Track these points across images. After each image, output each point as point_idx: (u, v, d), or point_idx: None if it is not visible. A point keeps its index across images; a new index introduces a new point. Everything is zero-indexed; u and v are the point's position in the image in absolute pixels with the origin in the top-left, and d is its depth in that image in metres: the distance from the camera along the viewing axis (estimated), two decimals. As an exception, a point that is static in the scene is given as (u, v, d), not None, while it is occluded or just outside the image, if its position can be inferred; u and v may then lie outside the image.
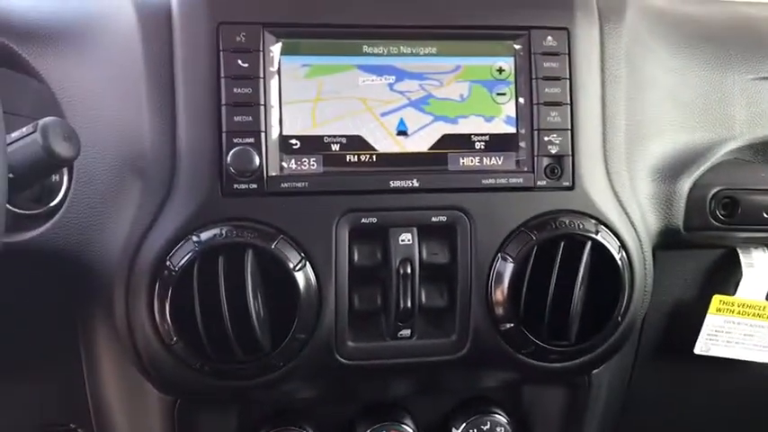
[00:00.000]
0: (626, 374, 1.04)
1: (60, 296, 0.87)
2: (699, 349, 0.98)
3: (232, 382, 0.79)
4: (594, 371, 0.92)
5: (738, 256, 0.98)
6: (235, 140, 0.77)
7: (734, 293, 0.97)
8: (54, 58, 0.80)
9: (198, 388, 0.80)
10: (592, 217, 0.83)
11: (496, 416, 0.92)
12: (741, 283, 0.97)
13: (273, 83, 0.79)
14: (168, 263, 0.75)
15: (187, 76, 0.77)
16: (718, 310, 0.97)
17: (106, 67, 0.80)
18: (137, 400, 0.88)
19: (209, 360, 0.76)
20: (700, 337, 0.98)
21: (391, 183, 0.80)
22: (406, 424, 0.91)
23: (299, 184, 0.78)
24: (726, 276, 1.01)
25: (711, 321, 0.97)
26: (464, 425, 0.91)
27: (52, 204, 0.80)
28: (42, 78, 0.80)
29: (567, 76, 0.84)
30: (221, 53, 0.77)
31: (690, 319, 0.99)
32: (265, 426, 0.88)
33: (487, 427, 0.91)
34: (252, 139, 0.77)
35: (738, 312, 0.97)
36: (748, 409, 1.14)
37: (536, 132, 0.83)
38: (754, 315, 0.97)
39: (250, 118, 0.77)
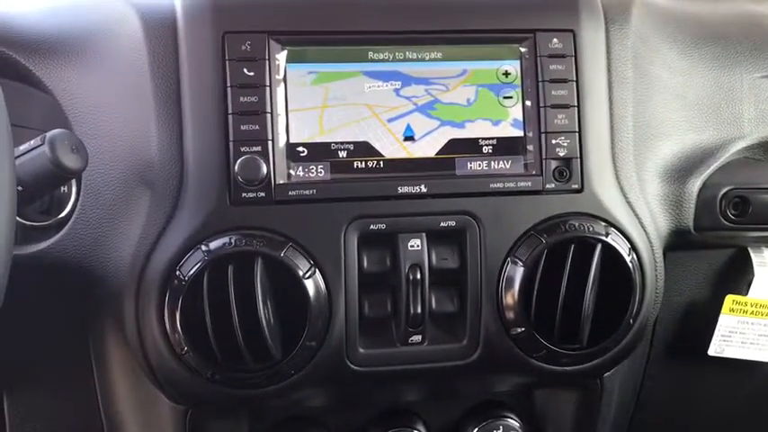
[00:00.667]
0: (638, 376, 1.03)
1: (71, 307, 0.88)
2: (713, 350, 0.97)
3: (243, 390, 0.79)
4: (607, 374, 0.92)
5: (750, 256, 0.97)
6: (242, 149, 0.77)
7: (746, 293, 0.97)
8: (60, 69, 0.80)
9: (209, 397, 0.80)
10: (601, 219, 0.82)
11: (509, 420, 0.92)
12: (753, 283, 0.96)
13: (280, 91, 0.79)
14: (178, 272, 0.75)
15: (193, 86, 0.78)
16: (732, 310, 0.96)
17: (112, 77, 0.81)
18: (149, 409, 0.88)
19: (221, 369, 0.76)
20: (714, 338, 0.97)
21: (399, 188, 0.80)
22: (417, 429, 0.90)
23: (307, 192, 0.78)
24: (738, 276, 1.00)
25: (725, 322, 0.97)
26: (476, 429, 0.91)
27: (61, 216, 0.80)
28: (49, 90, 0.80)
29: (574, 79, 0.83)
30: (227, 62, 0.77)
31: (702, 319, 0.99)
32: (277, 434, 0.88)
33: (500, 431, 0.91)
34: (259, 148, 0.77)
35: (752, 313, 0.96)
36: (762, 410, 1.13)
37: (543, 135, 0.82)
38: (767, 315, 0.96)
39: (257, 126, 0.77)
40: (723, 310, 0.96)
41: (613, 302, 0.81)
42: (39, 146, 0.69)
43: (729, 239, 0.95)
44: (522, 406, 0.94)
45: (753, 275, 0.97)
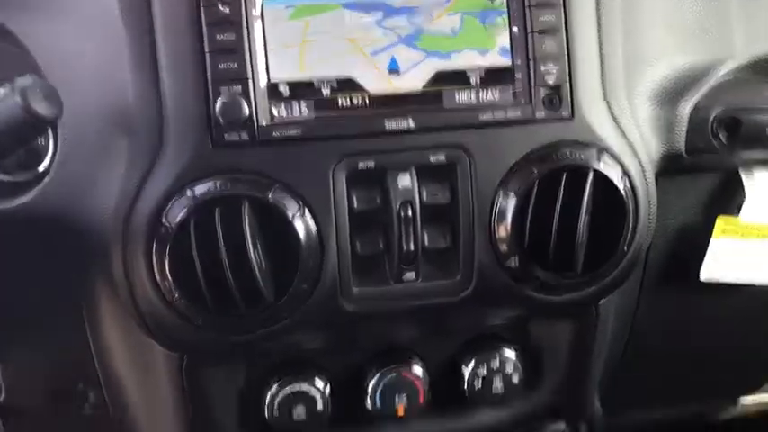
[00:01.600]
0: (633, 302, 1.04)
1: (59, 261, 0.86)
2: (704, 274, 0.98)
3: (237, 335, 0.79)
4: (601, 301, 0.92)
5: (741, 178, 0.97)
6: (221, 89, 0.75)
7: (737, 215, 0.97)
8: (27, 16, 0.77)
9: (202, 343, 0.80)
10: (593, 146, 0.81)
11: (505, 351, 0.92)
12: (744, 204, 0.96)
13: (257, 27, 0.76)
14: (164, 219, 0.74)
15: (167, 25, 0.75)
16: (723, 231, 0.96)
17: (83, 22, 0.78)
18: (143, 357, 0.88)
19: (213, 315, 0.75)
20: (705, 261, 0.97)
21: (386, 124, 0.78)
22: (415, 366, 0.91)
23: (291, 132, 0.76)
24: (729, 199, 1.00)
25: (716, 244, 0.97)
26: (473, 362, 0.91)
27: (40, 169, 0.78)
28: (16, 39, 0.77)
29: (561, 2, 0.81)
30: None
31: (694, 244, 0.99)
32: (274, 377, 0.88)
33: (496, 362, 0.91)
34: (239, 87, 0.75)
35: (743, 234, 0.96)
36: (755, 333, 1.14)
37: (532, 62, 0.80)
38: (758, 235, 0.96)
39: (235, 65, 0.75)
40: (714, 233, 0.96)
41: (607, 229, 0.80)
42: (8, 94, 0.66)
43: (721, 162, 0.94)
44: (518, 337, 0.95)
45: (744, 198, 0.96)
